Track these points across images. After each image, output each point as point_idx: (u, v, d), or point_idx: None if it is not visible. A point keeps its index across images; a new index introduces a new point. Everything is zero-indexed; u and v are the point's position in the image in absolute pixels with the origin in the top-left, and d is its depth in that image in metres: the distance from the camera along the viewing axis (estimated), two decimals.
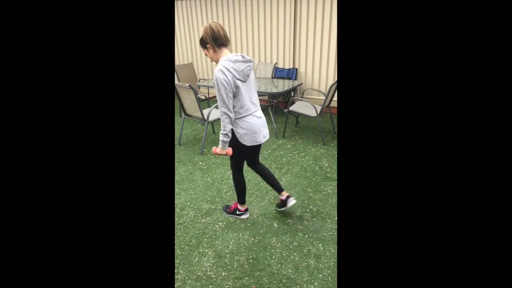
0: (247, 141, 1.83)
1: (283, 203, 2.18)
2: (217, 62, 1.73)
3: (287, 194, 2.18)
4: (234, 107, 1.72)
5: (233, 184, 2.66)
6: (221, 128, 1.73)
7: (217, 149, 1.81)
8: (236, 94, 1.69)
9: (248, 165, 2.13)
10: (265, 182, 2.26)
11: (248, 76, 1.72)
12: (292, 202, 2.15)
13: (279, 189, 2.16)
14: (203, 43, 1.68)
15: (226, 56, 1.66)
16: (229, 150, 1.81)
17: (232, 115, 1.70)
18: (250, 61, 1.71)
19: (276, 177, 2.77)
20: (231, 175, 2.15)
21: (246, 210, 2.25)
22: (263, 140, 1.90)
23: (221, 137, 1.75)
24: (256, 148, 1.98)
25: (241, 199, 2.19)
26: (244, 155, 1.97)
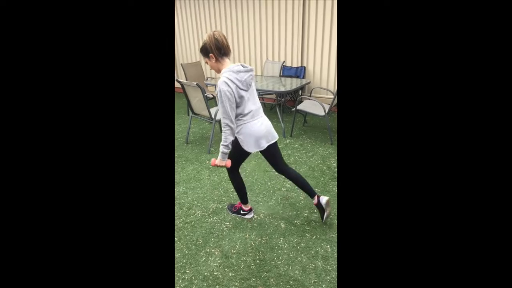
0: (250, 148, 1.82)
1: (319, 206, 2.03)
2: (217, 71, 1.74)
3: (317, 195, 2.02)
4: (239, 114, 1.74)
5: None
6: (222, 139, 1.73)
7: (216, 161, 1.81)
8: (240, 104, 1.71)
9: (276, 170, 2.02)
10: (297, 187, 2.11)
11: (250, 85, 1.75)
12: (325, 198, 2.01)
13: (311, 193, 2.01)
14: (206, 51, 1.67)
15: (228, 68, 1.66)
16: (228, 162, 1.82)
17: (234, 126, 1.71)
18: (251, 70, 1.73)
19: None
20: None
21: (250, 209, 2.22)
22: (266, 145, 1.85)
23: (221, 149, 1.75)
24: (270, 151, 1.94)
25: (243, 199, 2.16)
26: (242, 159, 1.95)
